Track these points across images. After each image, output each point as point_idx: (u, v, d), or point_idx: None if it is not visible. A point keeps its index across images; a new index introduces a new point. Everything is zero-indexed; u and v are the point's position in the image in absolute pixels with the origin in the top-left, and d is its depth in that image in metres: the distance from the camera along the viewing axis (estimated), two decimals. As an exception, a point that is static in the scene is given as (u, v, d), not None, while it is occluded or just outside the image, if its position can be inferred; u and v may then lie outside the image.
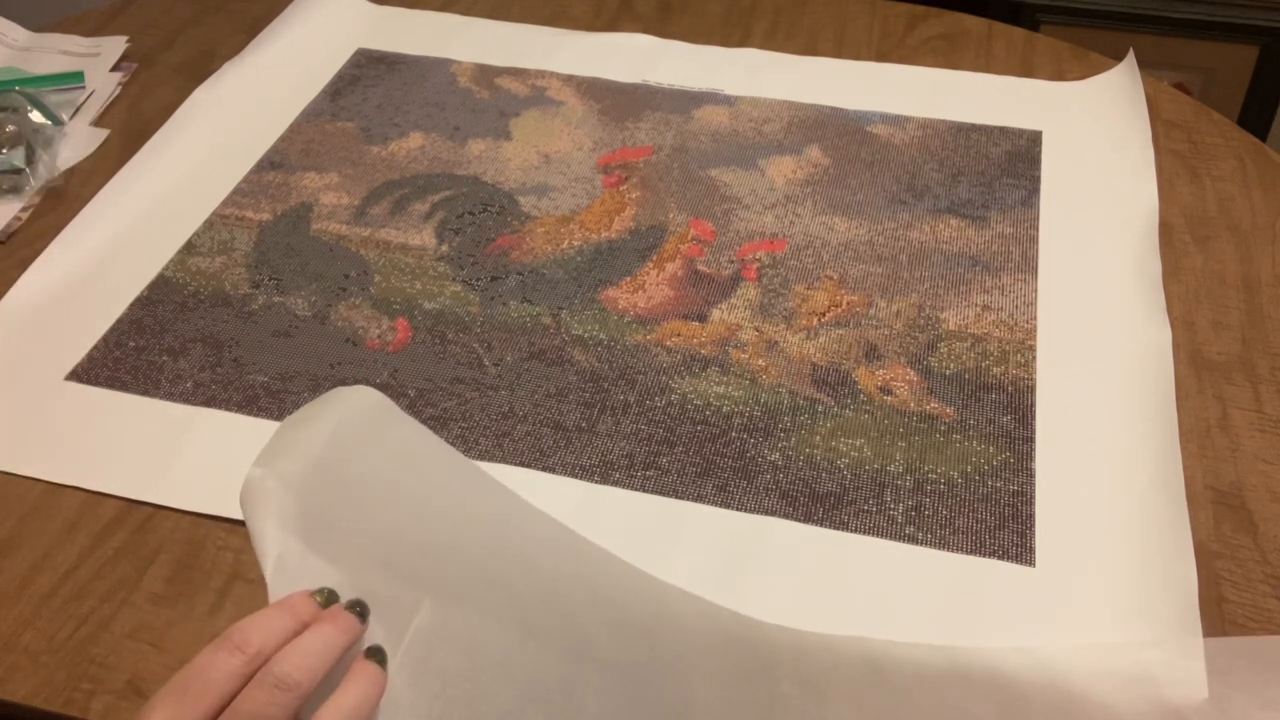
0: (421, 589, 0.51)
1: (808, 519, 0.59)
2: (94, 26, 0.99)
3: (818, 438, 0.64)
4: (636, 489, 0.61)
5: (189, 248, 0.77)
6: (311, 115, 0.89)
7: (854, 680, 0.50)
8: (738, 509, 0.60)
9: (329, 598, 0.49)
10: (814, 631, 0.51)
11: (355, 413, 0.55)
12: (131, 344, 0.70)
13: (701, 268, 0.75)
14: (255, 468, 0.53)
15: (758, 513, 0.60)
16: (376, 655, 0.48)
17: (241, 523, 0.57)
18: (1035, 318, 0.70)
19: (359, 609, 0.49)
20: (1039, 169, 0.81)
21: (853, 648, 0.50)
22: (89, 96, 0.91)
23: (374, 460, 0.54)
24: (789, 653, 0.50)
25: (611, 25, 0.99)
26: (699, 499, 0.61)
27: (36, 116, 0.86)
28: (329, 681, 0.46)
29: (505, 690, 0.50)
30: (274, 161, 0.84)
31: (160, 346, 0.70)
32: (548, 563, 0.52)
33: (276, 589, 0.50)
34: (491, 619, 0.51)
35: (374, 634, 0.50)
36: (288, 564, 0.51)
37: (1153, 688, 0.49)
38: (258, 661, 0.45)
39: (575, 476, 0.62)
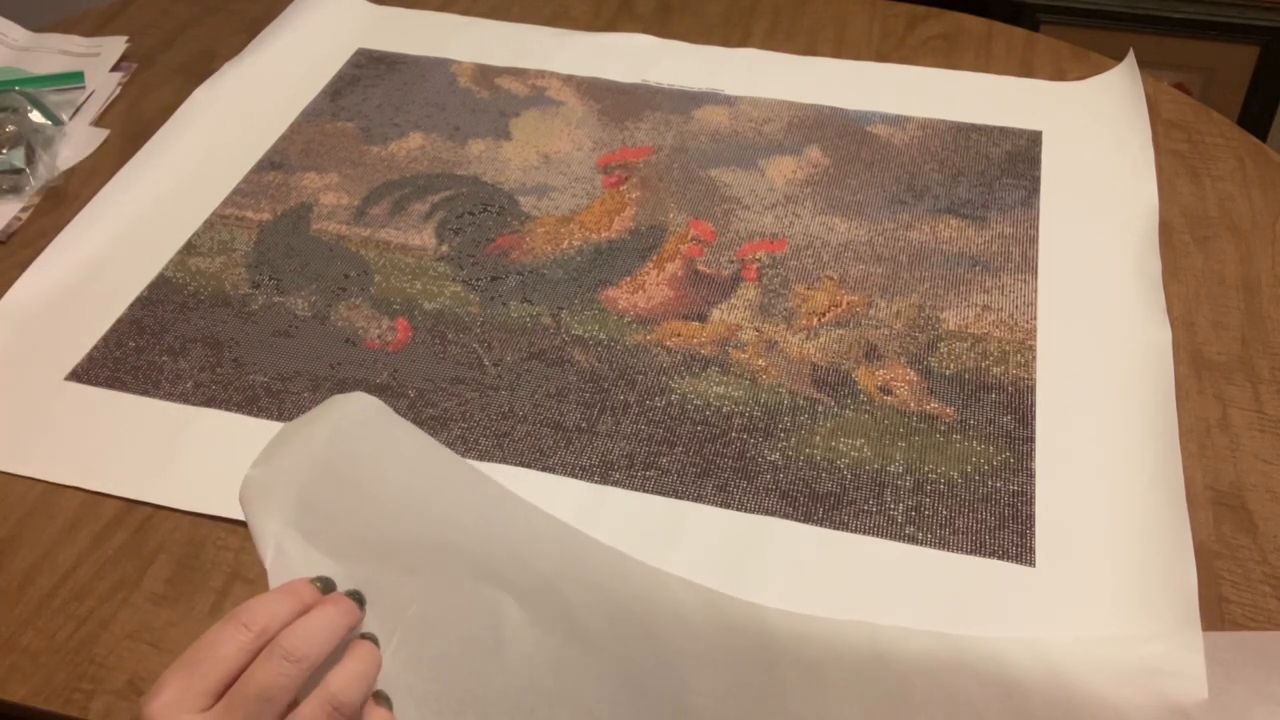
0: (417, 581, 0.51)
1: (808, 519, 0.59)
2: (94, 26, 0.99)
3: (818, 438, 0.64)
4: (636, 489, 0.61)
5: (189, 248, 0.77)
6: (311, 115, 0.89)
7: (855, 666, 0.50)
8: (738, 509, 0.60)
9: (327, 585, 0.50)
10: (816, 617, 0.51)
11: (352, 420, 0.55)
12: (131, 344, 0.70)
13: (701, 268, 0.75)
14: (254, 468, 0.54)
15: (758, 513, 0.60)
16: (371, 639, 0.50)
17: (241, 523, 0.57)
18: (1035, 318, 0.70)
19: (357, 597, 0.50)
20: (1039, 169, 0.81)
21: (855, 634, 0.50)
22: (89, 96, 0.91)
23: (371, 462, 0.55)
24: (790, 638, 0.50)
25: (611, 25, 0.99)
26: (699, 499, 0.61)
27: (36, 116, 0.86)
28: (328, 664, 0.47)
29: (500, 676, 0.50)
30: (274, 161, 0.84)
31: (160, 346, 0.70)
32: (545, 557, 0.52)
33: (277, 579, 0.51)
34: (486, 608, 0.51)
35: (369, 623, 0.50)
36: (288, 554, 0.52)
37: (1154, 681, 0.49)
38: (263, 639, 0.46)
39: (575, 476, 0.62)
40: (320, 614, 0.48)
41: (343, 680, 0.46)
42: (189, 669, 0.45)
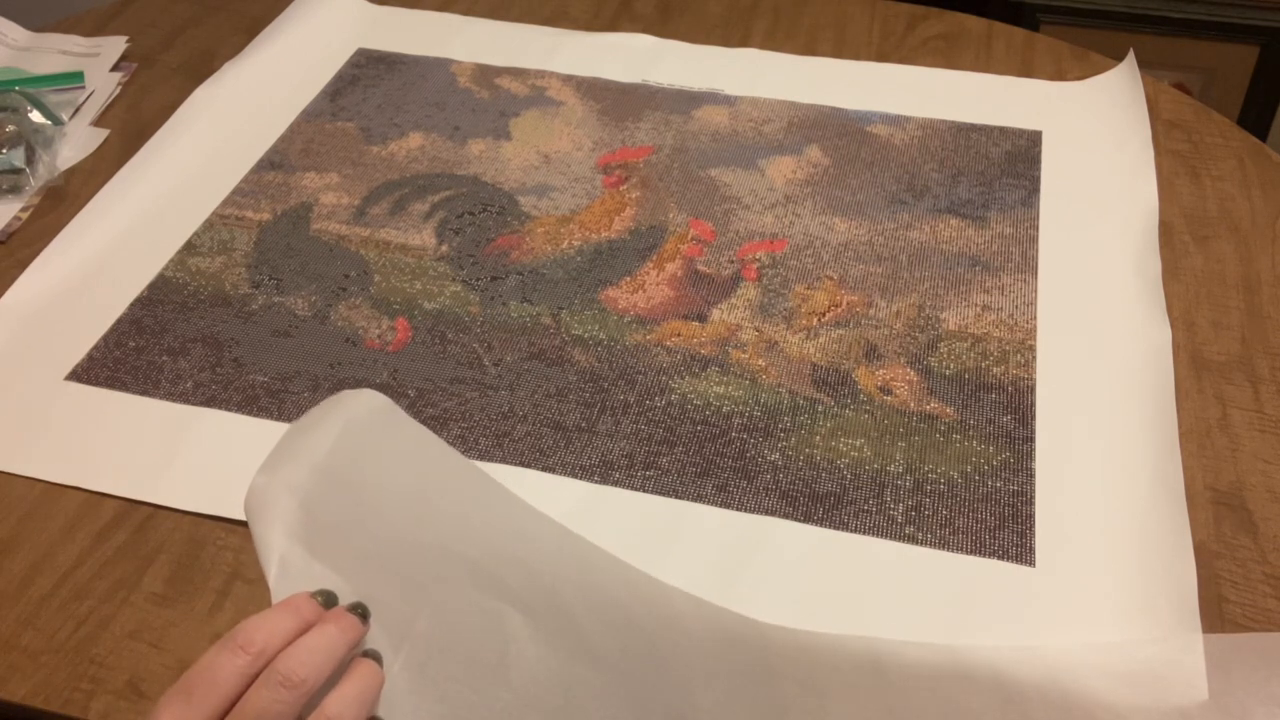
0: (422, 595, 0.51)
1: (808, 519, 0.59)
2: (94, 26, 0.99)
3: (818, 438, 0.64)
4: (636, 489, 0.61)
5: (189, 248, 0.77)
6: (311, 115, 0.89)
7: (856, 680, 0.50)
8: (738, 509, 0.60)
9: (329, 599, 0.49)
10: (816, 631, 0.51)
11: (359, 418, 0.55)
12: (131, 344, 0.70)
13: (701, 268, 0.75)
14: (259, 475, 0.54)
15: (758, 513, 0.60)
16: (373, 657, 0.49)
17: (242, 522, 0.57)
18: (1035, 318, 0.70)
19: (360, 611, 0.49)
20: (1039, 169, 0.81)
21: (855, 648, 0.50)
22: (89, 96, 0.91)
23: (377, 465, 0.54)
24: (791, 653, 0.50)
25: (611, 25, 0.99)
26: (699, 499, 0.61)
27: (36, 116, 0.86)
28: (328, 684, 0.46)
29: (505, 694, 0.50)
30: (274, 161, 0.84)
31: (160, 346, 0.70)
32: (549, 567, 0.52)
33: (280, 594, 0.50)
34: (491, 623, 0.51)
35: (374, 639, 0.50)
36: (291, 569, 0.51)
37: (1153, 685, 0.49)
38: (261, 660, 0.45)
39: (575, 476, 0.62)
40: (320, 634, 0.47)
41: (340, 704, 0.45)
42: (185, 695, 0.44)
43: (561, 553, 0.53)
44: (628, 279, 0.74)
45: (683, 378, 0.67)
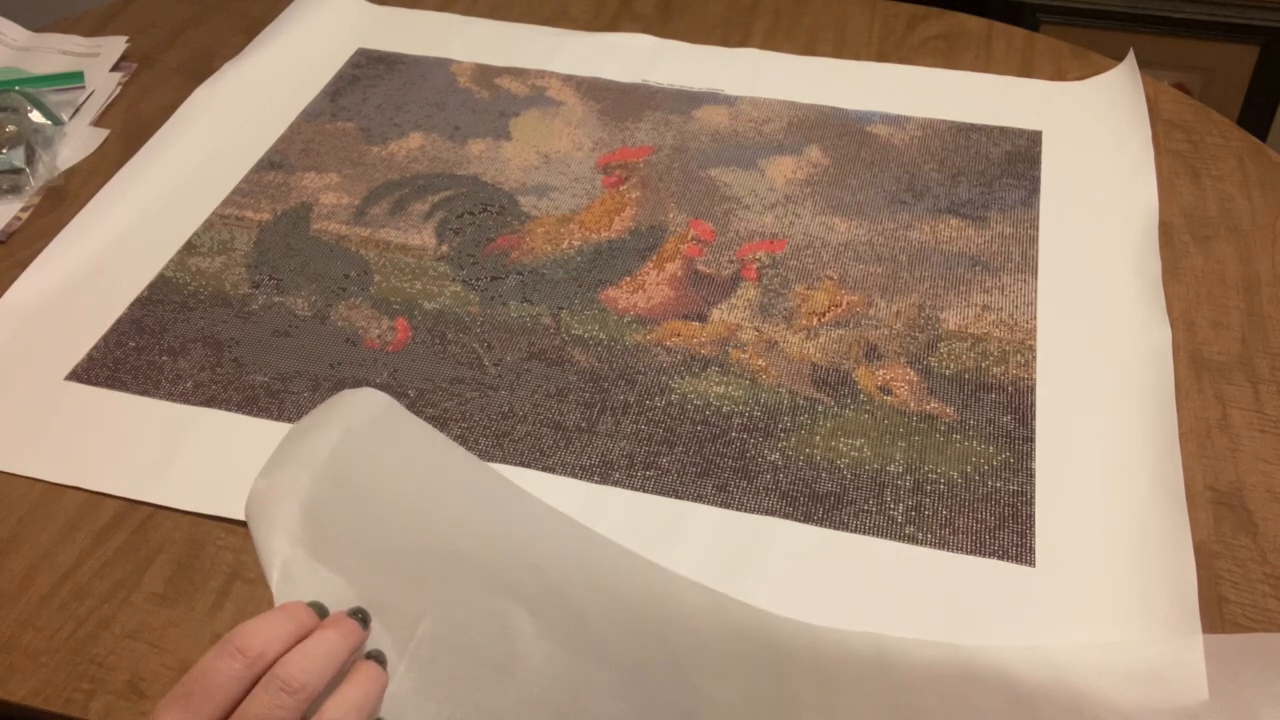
0: (427, 595, 0.51)
1: (808, 519, 0.59)
2: (94, 26, 0.99)
3: (818, 438, 0.64)
4: (636, 489, 0.61)
5: (189, 248, 0.77)
6: (311, 115, 0.89)
7: (865, 677, 0.50)
8: (738, 509, 0.60)
9: (320, 611, 0.49)
10: (826, 627, 0.51)
11: (360, 418, 0.55)
12: (131, 344, 0.70)
13: (701, 268, 0.75)
14: (260, 479, 0.53)
15: (758, 513, 0.60)
16: (377, 658, 0.49)
17: (242, 522, 0.57)
18: (1035, 318, 0.70)
19: (360, 616, 0.49)
20: (1039, 169, 0.81)
21: (864, 644, 0.50)
22: (89, 96, 0.91)
23: (380, 466, 0.54)
24: (801, 648, 0.50)
25: (611, 25, 0.99)
26: (699, 499, 0.61)
27: (36, 116, 0.86)
28: (330, 688, 0.46)
29: (512, 694, 0.50)
30: (274, 161, 0.84)
31: (160, 346, 0.70)
32: (556, 563, 0.52)
33: (282, 599, 0.50)
34: (497, 623, 0.51)
35: (379, 640, 0.50)
36: (293, 574, 0.51)
37: (1159, 685, 0.49)
38: (259, 665, 0.45)
39: (575, 476, 0.62)
40: (320, 639, 0.46)
41: (341, 708, 0.45)
42: (183, 701, 0.43)
43: (568, 547, 0.53)
44: (628, 279, 0.74)
45: (683, 378, 0.67)
